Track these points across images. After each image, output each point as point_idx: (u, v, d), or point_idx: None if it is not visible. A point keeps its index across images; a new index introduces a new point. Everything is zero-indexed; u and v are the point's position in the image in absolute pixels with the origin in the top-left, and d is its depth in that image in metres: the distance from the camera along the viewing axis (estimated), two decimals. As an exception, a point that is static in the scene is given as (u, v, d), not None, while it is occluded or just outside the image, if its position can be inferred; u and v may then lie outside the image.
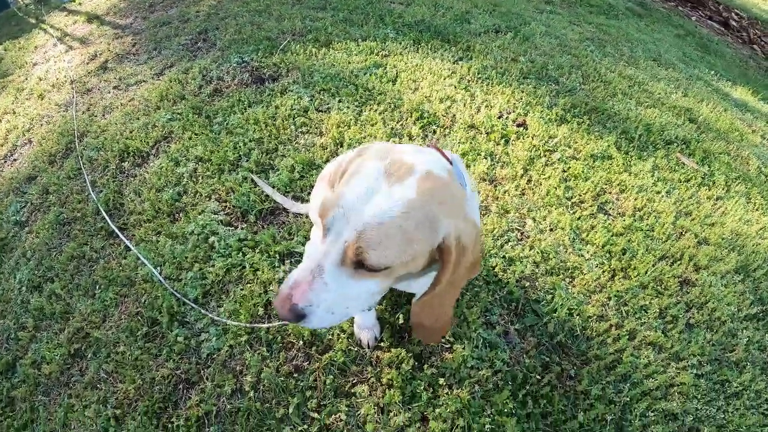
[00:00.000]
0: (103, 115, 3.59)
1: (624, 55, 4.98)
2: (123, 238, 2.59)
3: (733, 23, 7.92)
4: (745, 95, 5.35)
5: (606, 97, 3.90)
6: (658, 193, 3.05)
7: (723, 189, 3.29)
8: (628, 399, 2.04)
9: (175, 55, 4.04)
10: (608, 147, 3.27)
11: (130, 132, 3.24)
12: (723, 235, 2.88)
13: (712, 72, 5.56)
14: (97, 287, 2.42)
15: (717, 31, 7.60)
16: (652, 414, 2.02)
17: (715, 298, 2.50)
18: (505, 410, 1.90)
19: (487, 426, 1.84)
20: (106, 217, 2.70)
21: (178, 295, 2.25)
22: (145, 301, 2.29)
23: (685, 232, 2.84)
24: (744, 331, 2.41)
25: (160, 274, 2.37)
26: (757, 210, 3.27)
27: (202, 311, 2.20)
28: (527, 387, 1.98)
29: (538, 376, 2.03)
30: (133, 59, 4.23)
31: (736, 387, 2.18)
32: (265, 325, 2.11)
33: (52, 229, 2.82)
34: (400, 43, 4.00)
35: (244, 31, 4.10)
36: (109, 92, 3.86)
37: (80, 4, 5.76)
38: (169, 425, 1.91)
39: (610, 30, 5.52)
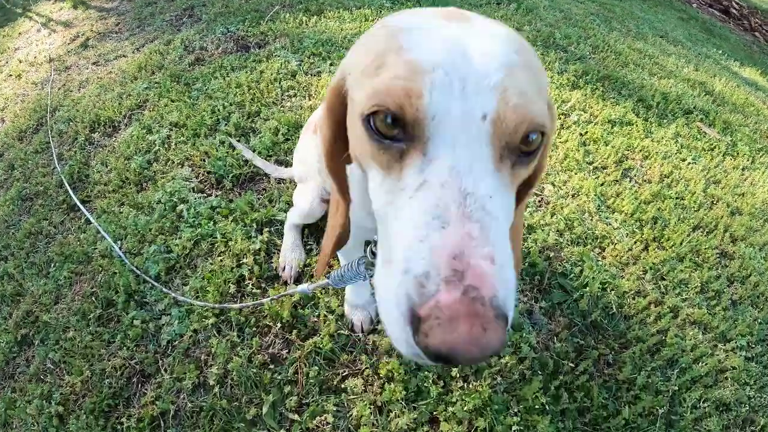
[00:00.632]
0: (79, 90, 3.16)
1: (631, 30, 4.52)
2: (83, 209, 2.15)
3: (734, 11, 7.48)
4: (755, 75, 4.94)
5: (618, 66, 3.44)
6: (684, 160, 2.61)
7: (748, 159, 2.87)
8: (677, 388, 1.61)
9: (158, 30, 3.60)
10: (626, 113, 2.82)
11: (103, 102, 2.80)
12: (755, 206, 2.47)
13: (720, 52, 5.13)
14: (52, 265, 1.98)
15: (719, 18, 7.16)
16: (705, 405, 1.60)
17: (756, 271, 2.10)
18: (536, 406, 1.43)
19: (514, 427, 1.38)
20: (68, 189, 2.25)
21: (137, 271, 1.79)
22: (101, 279, 1.83)
23: (717, 201, 2.40)
24: None
25: (120, 248, 1.91)
26: (786, 182, 2.82)
27: (164, 290, 1.73)
28: (560, 377, 1.53)
29: (571, 364, 1.58)
30: (115, 37, 3.79)
31: None
32: (237, 306, 1.64)
33: (13, 205, 2.39)
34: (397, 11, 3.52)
35: (231, 4, 3.65)
36: (88, 68, 3.43)
37: (66, -9, 5.34)
38: (118, 426, 1.47)
39: (614, 8, 5.06)
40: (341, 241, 0.92)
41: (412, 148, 0.58)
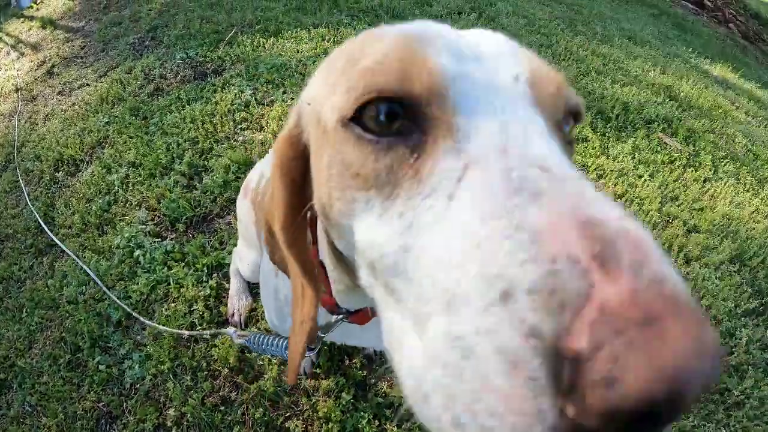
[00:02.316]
0: (44, 123, 3.22)
1: (597, 33, 4.61)
2: (70, 252, 2.23)
3: (708, 3, 7.56)
4: (725, 72, 5.02)
5: (579, 76, 3.54)
6: (641, 177, 2.70)
7: (710, 170, 2.96)
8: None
9: (121, 55, 3.66)
10: (583, 128, 2.91)
11: (67, 139, 2.87)
12: (714, 221, 2.54)
13: (690, 50, 5.22)
14: (24, 311, 2.08)
15: (692, 11, 7.25)
16: None
17: (709, 293, 2.18)
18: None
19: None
20: (45, 228, 2.34)
21: (124, 306, 1.88)
22: (68, 325, 1.94)
23: (673, 220, 2.49)
24: (743, 329, 2.11)
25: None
26: (747, 191, 2.93)
27: (146, 322, 1.82)
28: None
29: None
30: (80, 62, 3.85)
31: (737, 396, 1.87)
32: (207, 332, 1.76)
33: (-16, 248, 2.46)
34: (354, 29, 3.62)
35: (192, 26, 3.71)
36: (53, 98, 3.49)
37: (37, 9, 5.38)
38: (89, 467, 1.57)
39: (582, 9, 5.15)
40: (312, 336, 0.71)
41: (431, 134, 0.42)
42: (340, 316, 0.83)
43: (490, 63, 0.45)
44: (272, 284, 1.03)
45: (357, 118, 0.44)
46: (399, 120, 0.42)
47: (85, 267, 2.08)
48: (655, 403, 0.25)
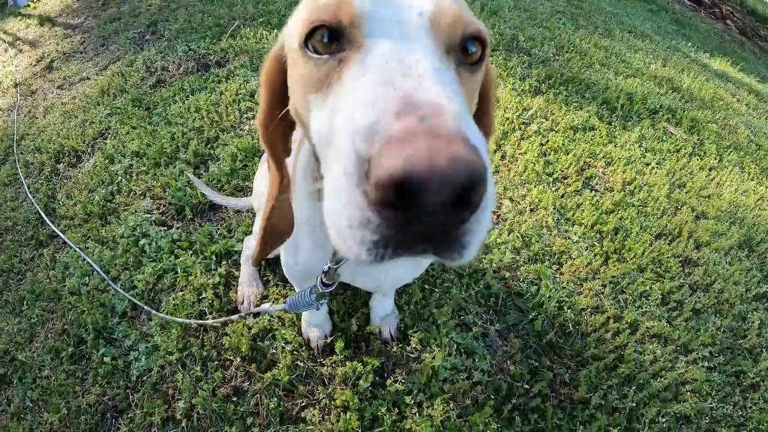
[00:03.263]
0: (44, 116, 3.14)
1: (598, 27, 4.55)
2: (69, 242, 2.16)
3: (705, -1, 7.56)
4: (725, 66, 5.00)
5: (582, 68, 3.48)
6: (648, 164, 2.65)
7: (715, 158, 2.92)
8: (634, 405, 1.65)
9: (121, 49, 3.59)
10: (589, 117, 2.86)
11: (68, 131, 2.80)
12: (721, 208, 2.50)
13: (689, 44, 5.18)
14: (24, 303, 1.99)
15: (689, 7, 7.22)
16: (664, 420, 1.64)
17: (720, 277, 2.14)
18: (488, 430, 1.46)
19: (466, 455, 1.41)
20: (46, 219, 2.25)
21: (129, 297, 1.80)
22: (70, 317, 1.85)
23: (682, 206, 2.44)
24: (755, 312, 2.08)
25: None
26: (752, 180, 2.91)
27: (153, 311, 1.75)
28: (513, 400, 1.57)
29: (526, 386, 1.61)
30: (80, 57, 3.78)
31: (752, 378, 1.84)
32: (210, 322, 1.70)
33: (-17, 241, 2.38)
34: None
35: (193, 19, 3.64)
36: (53, 92, 3.41)
37: (35, 7, 5.31)
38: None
39: (582, 4, 5.09)
40: (281, 231, 0.94)
41: (350, 51, 0.56)
42: None
43: (404, 4, 0.57)
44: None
45: (308, 42, 0.59)
46: (334, 44, 0.58)
47: (87, 258, 2.00)
48: (401, 178, 0.38)
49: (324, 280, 1.09)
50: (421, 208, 0.40)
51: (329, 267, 1.04)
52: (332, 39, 0.58)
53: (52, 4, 5.06)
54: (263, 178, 1.55)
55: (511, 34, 3.67)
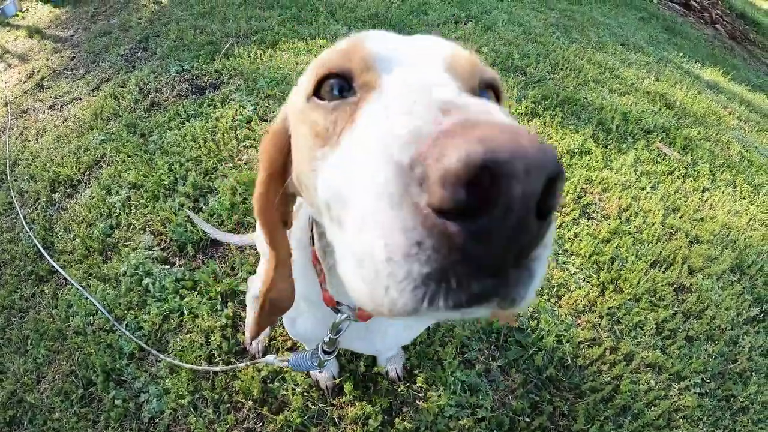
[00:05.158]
0: (36, 140, 3.17)
1: (591, 40, 4.68)
2: (73, 282, 2.20)
3: (694, 3, 7.68)
4: (716, 76, 5.12)
5: (577, 86, 3.59)
6: (643, 189, 2.76)
7: (708, 179, 3.03)
8: (629, 434, 1.73)
9: (113, 67, 3.63)
10: (585, 141, 2.96)
11: (62, 158, 2.84)
12: (714, 231, 2.61)
13: (681, 54, 5.31)
14: (29, 342, 2.04)
15: (679, 12, 7.36)
16: None
17: (713, 303, 2.25)
18: (493, 470, 1.57)
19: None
20: (44, 254, 2.30)
21: (136, 340, 1.87)
22: (78, 357, 1.92)
23: (676, 232, 2.55)
24: (745, 336, 2.19)
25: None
26: (744, 199, 3.02)
27: (161, 356, 1.82)
28: (515, 435, 1.66)
29: (527, 419, 1.72)
30: (70, 74, 3.81)
31: (742, 401, 1.95)
32: (218, 368, 1.75)
33: (-19, 276, 2.41)
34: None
35: (185, 36, 3.70)
36: (44, 113, 3.44)
37: (23, 17, 5.30)
38: None
39: (575, 15, 5.22)
40: (282, 306, 0.88)
41: (363, 93, 0.53)
42: (345, 315, 0.92)
43: (416, 49, 0.57)
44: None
45: (317, 94, 0.57)
46: (345, 91, 0.55)
47: (91, 298, 2.06)
48: (473, 158, 0.31)
49: (325, 348, 1.10)
50: (504, 207, 0.32)
51: (329, 338, 1.04)
52: (342, 90, 0.55)
53: (41, 14, 5.06)
54: None
55: (506, 51, 3.77)
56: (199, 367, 1.78)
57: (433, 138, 0.34)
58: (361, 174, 0.41)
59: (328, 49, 0.62)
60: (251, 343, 1.84)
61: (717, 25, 7.41)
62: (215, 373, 1.79)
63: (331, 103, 0.54)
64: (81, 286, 2.13)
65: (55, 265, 2.25)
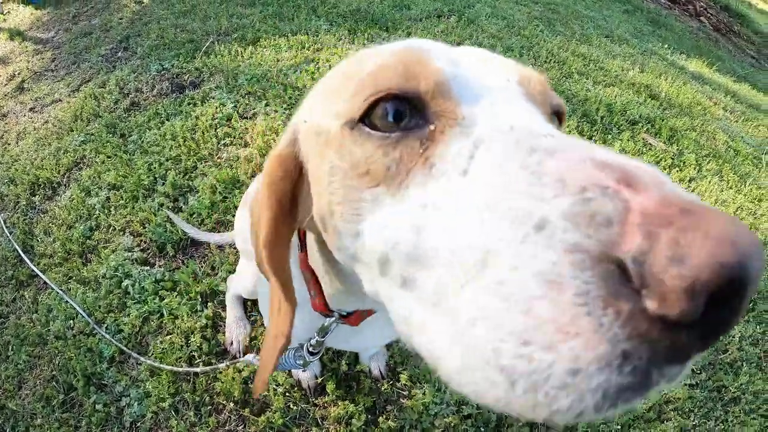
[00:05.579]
0: (17, 143, 3.11)
1: (575, 33, 4.66)
2: (54, 286, 2.15)
3: (679, -4, 7.70)
4: (701, 67, 5.12)
5: (561, 78, 3.57)
6: (628, 181, 2.71)
7: (695, 169, 3.01)
8: (619, 427, 1.74)
9: (93, 68, 3.57)
10: (570, 132, 2.92)
11: (42, 160, 2.78)
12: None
13: (665, 46, 5.32)
14: (10, 348, 1.99)
15: (663, 5, 7.36)
16: None
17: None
18: (480, 467, 1.53)
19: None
20: (29, 263, 2.23)
21: (116, 343, 1.82)
22: (58, 362, 1.87)
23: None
24: (735, 326, 2.11)
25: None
26: (731, 188, 3.00)
27: (141, 359, 1.77)
28: (503, 431, 1.62)
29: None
30: (51, 76, 3.74)
31: (733, 392, 1.93)
32: (198, 369, 1.70)
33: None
34: (334, 35, 3.60)
35: (166, 35, 3.64)
36: (25, 115, 3.37)
37: (4, 20, 5.23)
38: None
39: (558, 8, 5.20)
40: (283, 352, 0.74)
41: (438, 125, 0.45)
42: (332, 319, 0.87)
43: (482, 68, 0.50)
44: (268, 288, 1.02)
45: (363, 120, 0.47)
46: (405, 119, 0.45)
47: (71, 302, 2.01)
48: (727, 265, 0.26)
49: (310, 349, 1.07)
50: (731, 309, 0.29)
51: (316, 340, 1.01)
52: (399, 116, 0.46)
53: (23, 16, 4.99)
54: (244, 217, 1.56)
55: (489, 44, 3.74)
56: (179, 369, 1.74)
57: (639, 224, 0.29)
58: (494, 249, 0.34)
59: (366, 58, 0.52)
60: (232, 344, 1.80)
61: (701, 18, 7.42)
62: (196, 374, 1.75)
63: (392, 135, 0.45)
64: (61, 289, 2.08)
65: (35, 269, 2.20)
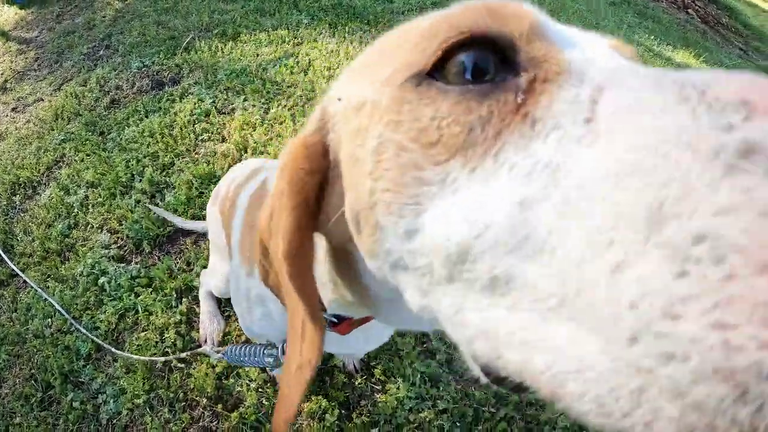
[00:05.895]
0: (-1, 144, 3.08)
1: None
2: (33, 284, 2.13)
3: (666, -12, 7.67)
4: (688, 58, 5.11)
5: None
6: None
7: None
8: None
9: (75, 66, 3.54)
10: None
11: (22, 160, 2.75)
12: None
13: (652, 37, 5.29)
14: None
15: (650, -3, 7.34)
16: None
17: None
18: (454, 461, 1.52)
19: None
20: (8, 261, 2.20)
21: (93, 337, 1.80)
22: (37, 361, 1.86)
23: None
24: None
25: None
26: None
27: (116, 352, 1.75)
28: (480, 426, 1.62)
29: (492, 410, 1.66)
30: (34, 75, 3.71)
31: None
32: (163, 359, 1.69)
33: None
34: (315, 29, 3.57)
35: (148, 32, 3.61)
36: (7, 116, 3.34)
37: (-11, 22, 5.20)
38: None
39: (543, 1, 5.15)
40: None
41: (537, 74, 0.34)
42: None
43: (571, 29, 0.40)
44: (244, 286, 0.98)
45: (433, 75, 0.36)
46: (490, 74, 0.35)
47: (49, 298, 1.99)
48: None
49: (286, 350, 0.99)
50: None
51: None
52: (481, 73, 0.35)
53: (7, 16, 4.94)
54: (214, 214, 1.53)
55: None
56: (145, 358, 1.72)
57: None
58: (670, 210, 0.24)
59: (415, 23, 0.42)
60: (206, 340, 1.79)
61: (689, 10, 7.40)
62: (170, 370, 1.74)
63: (475, 86, 0.34)
64: (40, 287, 2.06)
65: (15, 268, 2.17)
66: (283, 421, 0.63)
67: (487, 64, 0.35)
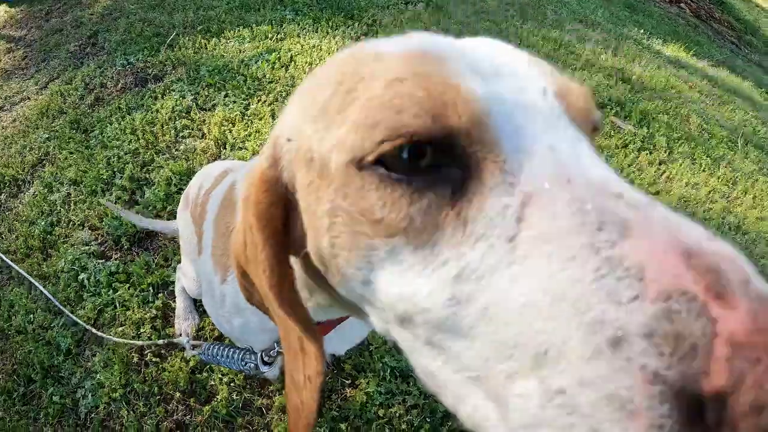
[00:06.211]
0: (-15, 142, 3.09)
1: (548, 18, 4.64)
2: (22, 272, 2.14)
3: (658, -19, 7.63)
4: (678, 52, 5.10)
5: (529, 64, 3.51)
6: (593, 164, 2.70)
7: (665, 152, 3.00)
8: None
9: (61, 65, 3.55)
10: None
11: (8, 158, 2.76)
12: (671, 204, 2.57)
13: (642, 31, 5.28)
14: None
15: (642, -9, 7.31)
16: None
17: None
18: (424, 456, 1.53)
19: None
20: (2, 256, 2.21)
21: (77, 319, 1.81)
22: (19, 356, 1.88)
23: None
24: None
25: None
26: (703, 171, 2.98)
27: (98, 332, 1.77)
28: (450, 422, 1.62)
29: (462, 404, 1.65)
30: (21, 74, 3.72)
31: None
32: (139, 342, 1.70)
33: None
34: (298, 24, 3.57)
35: (133, 29, 3.61)
36: (-6, 115, 3.35)
37: (-21, 21, 5.19)
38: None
39: (535, -5, 5.15)
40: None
41: (473, 169, 0.37)
42: None
43: (512, 78, 0.40)
44: (218, 292, 0.96)
45: (380, 156, 0.38)
46: (428, 156, 0.37)
47: (39, 286, 2.00)
48: None
49: (265, 358, 1.00)
50: None
51: (277, 351, 0.93)
52: (420, 154, 0.37)
53: (-4, 14, 4.97)
54: (185, 219, 1.51)
55: (456, 30, 3.69)
56: (123, 340, 1.75)
57: (727, 359, 0.25)
58: (556, 350, 0.29)
59: (366, 65, 0.42)
60: (180, 335, 1.80)
61: (681, 4, 7.37)
62: (146, 365, 1.76)
63: (416, 178, 0.37)
64: (31, 277, 2.06)
65: (9, 261, 2.18)
66: (303, 428, 0.66)
67: (425, 149, 0.37)
